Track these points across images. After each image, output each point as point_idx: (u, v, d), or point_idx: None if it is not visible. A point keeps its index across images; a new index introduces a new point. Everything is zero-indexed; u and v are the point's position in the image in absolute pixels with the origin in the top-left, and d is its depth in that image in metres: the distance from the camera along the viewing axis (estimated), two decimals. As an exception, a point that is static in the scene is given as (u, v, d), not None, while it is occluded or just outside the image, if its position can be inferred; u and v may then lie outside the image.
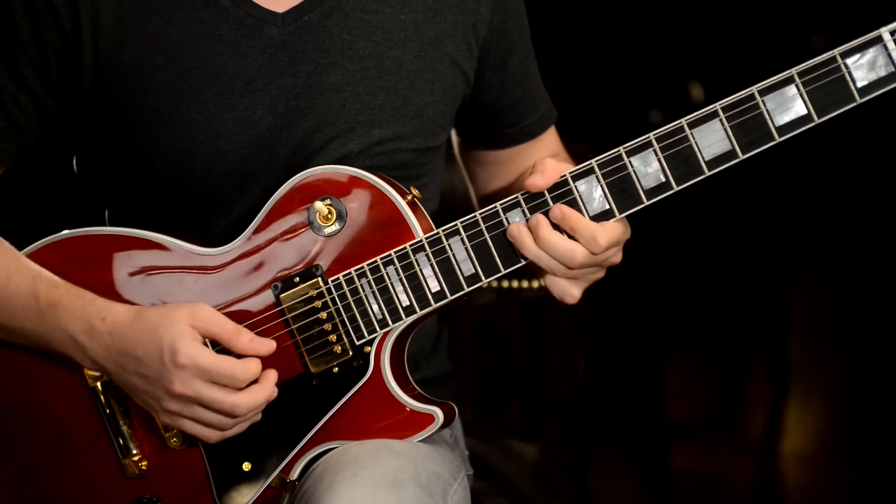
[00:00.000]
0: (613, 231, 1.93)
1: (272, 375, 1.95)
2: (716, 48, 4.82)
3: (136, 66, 1.99)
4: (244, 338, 1.94)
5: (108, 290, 2.00)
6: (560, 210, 1.92)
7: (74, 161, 2.15)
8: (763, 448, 4.41)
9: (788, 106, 1.87)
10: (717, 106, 1.89)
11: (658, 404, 4.46)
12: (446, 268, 1.96)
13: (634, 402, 4.55)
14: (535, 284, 2.68)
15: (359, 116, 2.03)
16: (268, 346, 1.95)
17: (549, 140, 2.27)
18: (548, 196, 1.94)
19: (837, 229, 5.17)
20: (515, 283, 2.67)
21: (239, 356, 1.93)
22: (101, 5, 1.98)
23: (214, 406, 1.91)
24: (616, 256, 1.97)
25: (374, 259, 1.97)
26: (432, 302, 1.96)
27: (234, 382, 1.91)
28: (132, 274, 2.02)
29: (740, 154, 1.90)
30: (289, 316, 1.98)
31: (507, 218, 1.94)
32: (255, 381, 1.94)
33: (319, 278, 1.97)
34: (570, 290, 1.96)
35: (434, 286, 1.96)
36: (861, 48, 1.85)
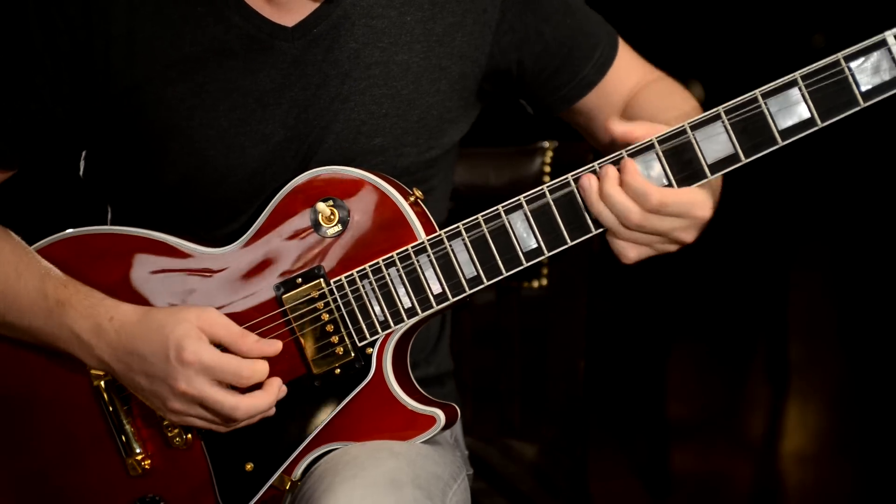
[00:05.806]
0: (674, 196, 1.87)
1: (276, 383, 1.95)
2: (716, 48, 4.82)
3: (147, 80, 1.98)
4: (249, 340, 1.94)
5: (111, 289, 1.99)
6: (629, 162, 1.87)
7: (81, 164, 2.15)
8: (763, 448, 4.41)
9: (792, 109, 1.86)
10: (720, 109, 1.88)
11: (658, 404, 4.46)
12: (448, 270, 1.95)
13: (634, 402, 4.56)
14: (535, 284, 2.68)
15: (362, 127, 2.02)
16: (274, 346, 1.95)
17: (623, 74, 2.17)
18: (546, 190, 1.93)
19: (838, 230, 5.17)
20: (515, 283, 2.66)
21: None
22: (114, 16, 1.97)
23: (215, 407, 1.91)
24: (685, 233, 1.90)
25: (376, 260, 1.96)
26: (434, 304, 1.96)
27: (239, 380, 1.91)
28: (135, 273, 2.01)
29: (742, 158, 1.89)
30: (291, 317, 1.98)
31: (508, 220, 1.93)
32: (259, 387, 1.94)
33: (322, 279, 1.97)
34: (625, 251, 1.91)
35: (436, 288, 1.95)
36: (865, 52, 1.83)
